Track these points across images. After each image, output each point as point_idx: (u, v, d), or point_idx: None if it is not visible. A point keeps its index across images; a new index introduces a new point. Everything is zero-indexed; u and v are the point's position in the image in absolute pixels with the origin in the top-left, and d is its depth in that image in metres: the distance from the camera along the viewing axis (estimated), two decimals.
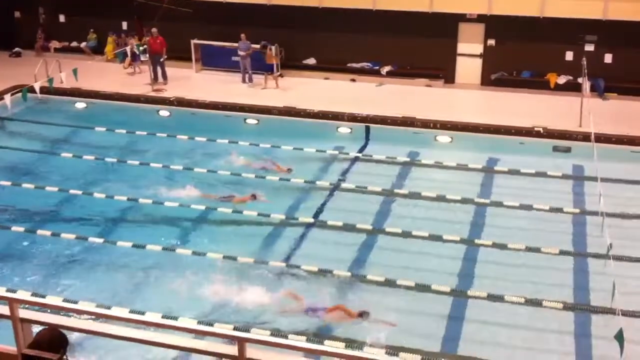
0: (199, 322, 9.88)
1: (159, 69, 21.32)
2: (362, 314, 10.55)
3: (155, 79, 21.13)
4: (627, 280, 10.54)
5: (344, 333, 10.26)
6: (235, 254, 12.16)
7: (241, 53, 21.31)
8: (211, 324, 9.80)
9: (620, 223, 12.70)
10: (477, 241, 12.79)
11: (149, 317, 8.88)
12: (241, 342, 5.56)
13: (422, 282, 11.40)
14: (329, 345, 8.58)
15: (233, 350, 5.58)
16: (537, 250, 12.33)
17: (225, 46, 22.07)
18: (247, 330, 9.50)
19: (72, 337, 5.64)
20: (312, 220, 13.67)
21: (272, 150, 16.88)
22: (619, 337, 7.60)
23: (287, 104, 19.06)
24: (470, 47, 21.13)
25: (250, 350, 5.57)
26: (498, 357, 9.72)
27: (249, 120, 18.94)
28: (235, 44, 21.43)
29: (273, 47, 21.29)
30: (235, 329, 9.25)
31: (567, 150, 16.55)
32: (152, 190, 14.62)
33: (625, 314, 9.03)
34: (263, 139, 17.40)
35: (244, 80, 21.63)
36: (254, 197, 14.40)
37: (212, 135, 17.46)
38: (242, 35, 21.21)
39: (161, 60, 21.20)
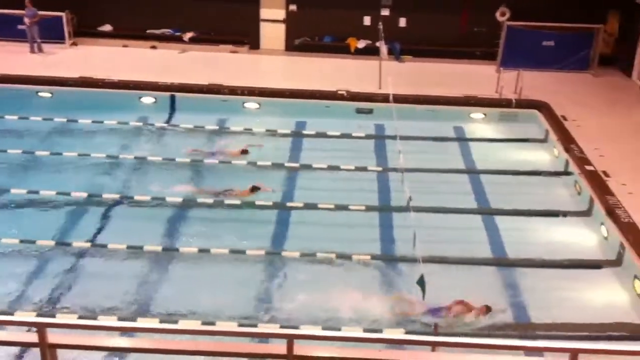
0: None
1: None
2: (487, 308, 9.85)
3: None
4: (427, 230, 11.14)
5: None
6: None
7: (27, 21, 19.54)
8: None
9: (419, 177, 13.40)
10: (288, 204, 12.90)
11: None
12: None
13: (236, 248, 11.30)
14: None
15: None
16: (345, 208, 12.72)
17: (9, 14, 20.10)
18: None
19: None
20: (118, 196, 12.95)
21: (68, 124, 15.73)
22: (420, 282, 8.06)
23: (83, 74, 17.82)
24: (272, 12, 21.14)
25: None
26: (311, 314, 9.85)
27: (41, 94, 17.46)
28: (22, 11, 19.61)
29: None
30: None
31: (369, 111, 17.19)
32: None
33: (425, 260, 9.56)
34: (58, 112, 16.13)
35: (32, 50, 19.89)
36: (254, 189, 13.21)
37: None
38: (27, 2, 19.44)
39: None
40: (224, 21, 20.82)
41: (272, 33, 21.18)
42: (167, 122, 16.54)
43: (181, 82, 17.60)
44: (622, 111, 17.21)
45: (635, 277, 10.67)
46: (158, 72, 18.33)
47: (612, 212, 12.02)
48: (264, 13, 21.13)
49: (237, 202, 12.76)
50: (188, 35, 21.17)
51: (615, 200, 12.34)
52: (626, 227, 11.53)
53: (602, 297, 10.55)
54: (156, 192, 12.98)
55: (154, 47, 20.86)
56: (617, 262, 11.33)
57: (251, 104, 17.43)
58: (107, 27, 21.34)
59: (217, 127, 16.18)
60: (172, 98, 17.36)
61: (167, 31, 21.31)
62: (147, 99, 17.42)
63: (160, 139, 15.70)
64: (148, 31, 21.17)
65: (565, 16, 19.05)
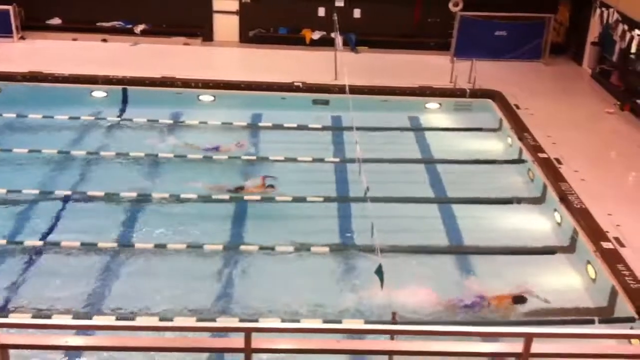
0: None
1: None
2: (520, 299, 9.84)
3: None
4: (384, 220, 11.17)
5: None
6: None
7: None
8: None
9: (375, 167, 13.43)
10: (245, 197, 12.80)
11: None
12: None
13: (196, 243, 11.18)
14: None
15: None
16: (302, 199, 12.68)
17: None
18: None
19: None
20: (69, 192, 12.66)
21: (16, 120, 15.31)
22: (378, 271, 8.09)
23: (32, 68, 17.34)
24: (226, 4, 20.88)
25: None
26: (271, 308, 9.81)
27: None
28: None
29: None
30: None
31: (326, 103, 17.16)
32: None
33: (383, 250, 9.60)
34: (7, 108, 15.65)
35: None
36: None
37: None
38: None
39: None
40: (176, 13, 20.49)
41: (226, 25, 20.94)
42: (120, 116, 16.22)
43: (133, 76, 17.28)
44: (573, 99, 17.54)
45: (588, 262, 10.89)
46: (109, 65, 17.96)
47: (565, 198, 12.25)
48: (217, 4, 20.87)
49: (194, 196, 12.60)
50: (139, 27, 20.79)
51: (568, 187, 12.58)
52: (579, 213, 11.77)
53: (557, 283, 10.74)
54: (109, 188, 12.73)
55: (104, 40, 20.43)
56: (570, 248, 11.55)
57: (206, 96, 17.22)
58: (56, 21, 20.79)
59: (172, 121, 15.95)
60: (125, 92, 17.03)
61: (118, 24, 20.87)
62: (99, 93, 17.06)
63: (113, 133, 15.40)
64: (98, 24, 20.69)
65: (518, 6, 19.31)
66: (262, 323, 7.97)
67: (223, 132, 15.53)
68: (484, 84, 17.51)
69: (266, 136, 15.56)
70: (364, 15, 20.80)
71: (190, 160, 14.07)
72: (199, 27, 20.87)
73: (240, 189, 13.01)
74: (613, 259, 10.51)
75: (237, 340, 5.57)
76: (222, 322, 9.11)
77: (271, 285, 10.43)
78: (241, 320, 9.15)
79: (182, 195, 12.58)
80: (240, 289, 10.39)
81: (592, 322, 9.67)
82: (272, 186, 13.08)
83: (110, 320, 9.10)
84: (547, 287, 10.58)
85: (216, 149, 14.48)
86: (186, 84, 17.25)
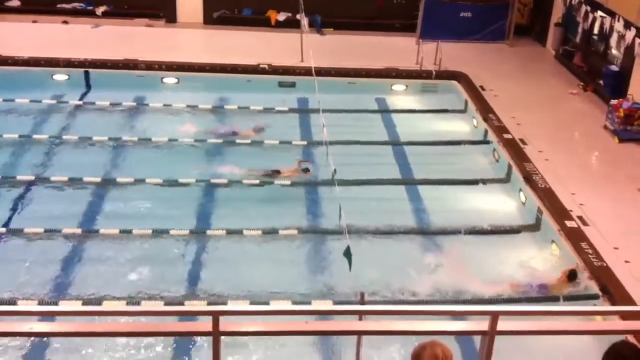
0: None
1: None
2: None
3: None
4: (351, 202, 11.18)
5: None
6: None
7: None
8: None
9: (342, 150, 13.42)
10: (212, 180, 12.69)
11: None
12: None
13: (160, 228, 11.05)
14: None
15: None
16: (270, 183, 12.63)
17: None
18: None
19: None
20: (32, 177, 12.41)
21: None
22: (347, 253, 8.11)
23: None
24: None
25: None
26: (239, 292, 9.80)
27: None
28: None
29: None
30: None
31: (292, 85, 17.05)
32: None
33: (350, 231, 9.61)
34: None
35: None
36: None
37: None
38: None
39: None
40: None
41: (189, 6, 20.59)
42: (82, 99, 15.91)
43: (95, 58, 16.94)
44: (537, 80, 17.72)
45: (553, 241, 11.06)
46: (71, 48, 17.55)
47: (530, 178, 12.40)
48: None
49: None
50: (101, 9, 20.37)
51: (533, 167, 12.73)
52: (543, 193, 11.93)
53: (522, 261, 10.88)
54: (73, 173, 12.51)
55: (65, 22, 19.97)
56: (535, 227, 11.71)
57: (169, 79, 16.97)
58: (15, 2, 20.27)
59: (135, 104, 15.71)
60: (87, 74, 16.70)
61: (78, 5, 20.42)
62: (60, 76, 16.70)
63: (75, 117, 15.12)
64: (59, 6, 20.23)
65: None
66: (230, 306, 7.93)
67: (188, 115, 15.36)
68: (449, 65, 17.58)
69: (232, 119, 15.40)
70: None
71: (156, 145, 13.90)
72: (161, 9, 20.53)
73: (277, 172, 12.85)
74: (577, 238, 10.69)
75: (205, 324, 5.51)
76: (189, 305, 9.07)
77: (238, 271, 10.38)
78: (209, 304, 9.10)
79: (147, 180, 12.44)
80: (206, 274, 10.32)
81: (557, 299, 9.83)
82: (307, 169, 12.98)
83: (76, 306, 8.99)
84: (513, 265, 10.72)
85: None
86: (149, 66, 16.97)
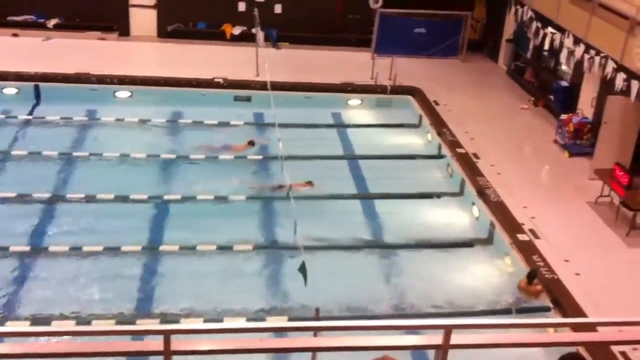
0: None
1: None
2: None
3: None
4: (306, 217, 11.10)
5: None
6: None
7: None
8: None
9: (298, 164, 13.37)
10: (166, 196, 12.50)
11: None
12: None
13: (112, 245, 10.83)
14: None
15: None
16: (224, 199, 12.50)
17: None
18: None
19: None
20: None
21: None
22: (302, 268, 8.06)
23: None
24: None
25: None
26: (193, 309, 9.63)
27: None
28: None
29: None
30: None
31: (248, 99, 16.98)
32: None
33: (307, 247, 9.55)
34: None
35: None
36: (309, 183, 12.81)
37: None
38: None
39: None
40: (90, 6, 19.77)
41: (143, 19, 20.39)
42: (31, 113, 15.55)
43: (46, 71, 16.59)
44: (489, 95, 18.02)
45: (506, 254, 11.19)
46: (21, 61, 17.16)
47: (483, 192, 12.56)
48: None
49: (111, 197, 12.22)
50: (52, 22, 19.98)
51: (485, 181, 12.90)
52: (496, 206, 12.08)
53: (476, 275, 10.97)
54: (21, 190, 12.18)
55: (15, 35, 19.52)
56: (488, 241, 11.84)
57: (122, 92, 16.72)
58: None
59: (87, 118, 15.41)
60: (37, 88, 16.34)
61: (29, 18, 19.99)
62: (9, 90, 16.30)
63: (25, 131, 14.75)
64: (9, 18, 19.77)
65: (436, 4, 19.62)
66: (182, 325, 7.79)
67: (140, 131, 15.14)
68: (404, 80, 17.74)
69: (185, 134, 15.23)
70: (285, 11, 20.69)
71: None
72: (114, 22, 20.25)
73: (282, 186, 12.61)
74: (529, 251, 10.85)
75: (156, 343, 5.37)
76: (141, 324, 8.87)
77: (192, 286, 10.21)
78: (161, 322, 8.92)
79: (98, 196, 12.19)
80: (159, 291, 10.13)
81: (509, 312, 9.92)
82: (310, 182, 12.88)
83: (23, 326, 8.71)
84: (467, 279, 10.80)
85: None
86: (101, 79, 16.71)
